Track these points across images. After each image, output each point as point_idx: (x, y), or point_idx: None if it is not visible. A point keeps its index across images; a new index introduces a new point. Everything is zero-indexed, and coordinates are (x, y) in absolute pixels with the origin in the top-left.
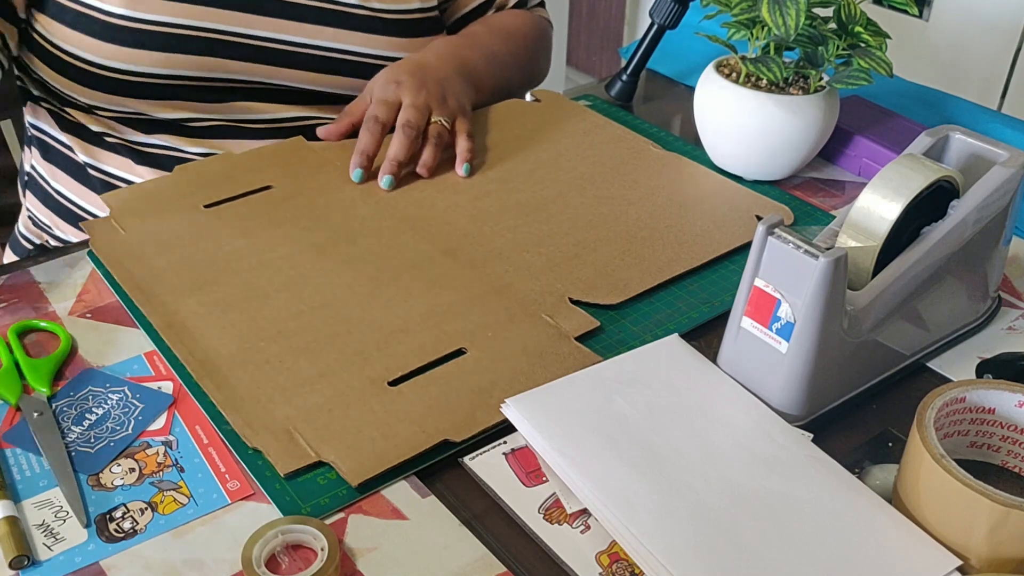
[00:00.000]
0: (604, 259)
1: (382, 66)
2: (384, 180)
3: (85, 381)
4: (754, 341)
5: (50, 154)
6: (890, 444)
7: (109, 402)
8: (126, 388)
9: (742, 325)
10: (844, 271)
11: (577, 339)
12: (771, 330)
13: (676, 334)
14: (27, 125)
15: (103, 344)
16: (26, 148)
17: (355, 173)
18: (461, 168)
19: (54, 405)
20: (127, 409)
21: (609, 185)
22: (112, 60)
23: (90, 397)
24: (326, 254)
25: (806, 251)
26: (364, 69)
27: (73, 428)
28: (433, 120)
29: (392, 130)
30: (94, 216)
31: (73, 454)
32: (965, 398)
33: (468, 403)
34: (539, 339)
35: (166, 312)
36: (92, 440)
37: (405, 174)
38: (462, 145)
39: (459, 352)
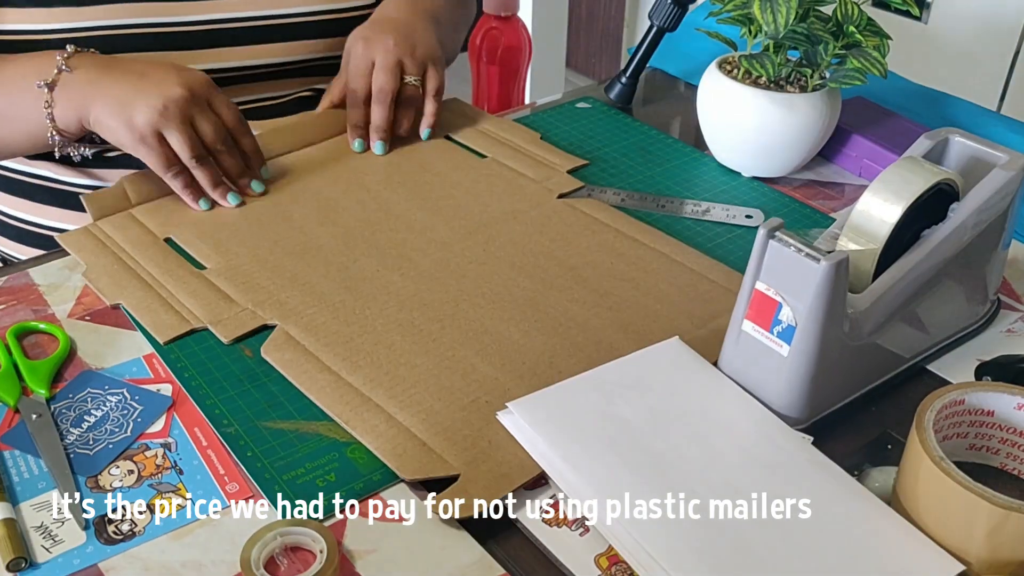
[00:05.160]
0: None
1: (331, 23)
2: (377, 146)
3: (84, 383)
4: (755, 344)
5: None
6: (889, 447)
7: (108, 404)
8: (125, 390)
9: (743, 328)
10: (845, 274)
11: None
12: (772, 333)
13: (677, 337)
14: None
15: (102, 346)
16: None
17: (356, 143)
18: (423, 132)
19: (53, 407)
20: (126, 411)
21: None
22: None
23: (89, 399)
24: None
25: (807, 254)
26: (310, 28)
27: (72, 430)
28: (405, 81)
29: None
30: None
31: (72, 456)
32: (964, 400)
33: None
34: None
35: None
36: (91, 442)
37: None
38: (428, 108)
39: None
